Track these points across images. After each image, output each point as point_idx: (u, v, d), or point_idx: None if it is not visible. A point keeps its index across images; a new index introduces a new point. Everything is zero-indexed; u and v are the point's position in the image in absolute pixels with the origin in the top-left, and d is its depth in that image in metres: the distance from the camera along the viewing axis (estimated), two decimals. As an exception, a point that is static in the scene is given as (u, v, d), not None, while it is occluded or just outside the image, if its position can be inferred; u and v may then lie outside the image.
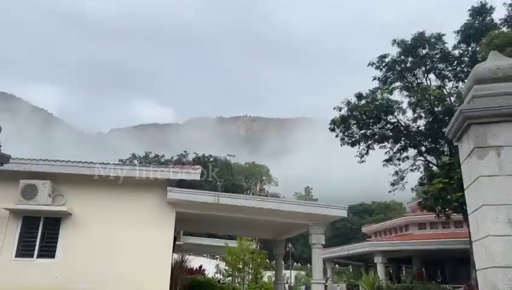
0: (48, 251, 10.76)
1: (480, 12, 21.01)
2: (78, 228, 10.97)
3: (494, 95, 3.53)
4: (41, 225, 10.89)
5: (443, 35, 22.35)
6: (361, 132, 23.07)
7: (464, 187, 3.87)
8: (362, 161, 23.74)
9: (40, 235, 10.80)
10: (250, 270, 22.11)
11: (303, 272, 55.15)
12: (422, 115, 22.37)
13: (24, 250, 10.68)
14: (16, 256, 10.57)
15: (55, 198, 11.00)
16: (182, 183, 11.76)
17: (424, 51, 22.59)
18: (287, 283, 43.60)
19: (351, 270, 45.41)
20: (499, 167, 3.40)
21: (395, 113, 22.33)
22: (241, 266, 21.01)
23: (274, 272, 20.61)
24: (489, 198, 3.33)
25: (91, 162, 11.42)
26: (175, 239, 14.26)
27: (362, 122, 22.50)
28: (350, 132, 23.13)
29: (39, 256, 10.69)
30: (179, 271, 13.21)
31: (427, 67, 22.83)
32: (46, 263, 10.60)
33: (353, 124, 22.77)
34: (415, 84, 23.08)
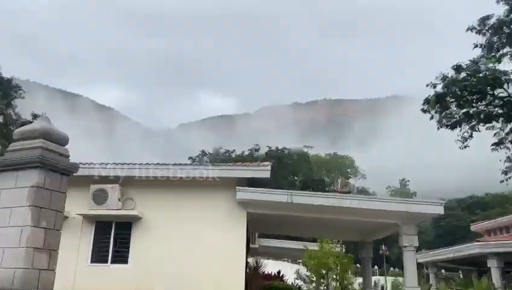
0: (121, 256, 12.06)
1: None
2: (149, 232, 12.10)
3: None
4: (113, 230, 12.23)
5: None
6: (463, 111, 21.90)
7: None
8: (465, 146, 22.59)
9: (112, 240, 12.15)
10: (335, 276, 22.24)
11: (401, 279, 53.78)
12: (542, 85, 20.62)
13: (99, 256, 12.08)
14: (92, 262, 12.04)
15: (124, 202, 12.24)
16: (252, 181, 12.40)
17: (543, 5, 20.76)
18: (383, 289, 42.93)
19: (461, 276, 43.36)
20: None
21: (505, 86, 20.86)
22: (324, 272, 21.21)
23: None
24: None
25: (157, 164, 12.54)
26: (248, 242, 14.98)
27: (463, 99, 21.37)
28: (448, 112, 22.10)
29: (113, 262, 12.04)
30: (253, 276, 13.93)
31: (548, 25, 20.98)
32: (120, 268, 11.91)
33: (451, 102, 21.72)
34: (530, 48, 21.36)
